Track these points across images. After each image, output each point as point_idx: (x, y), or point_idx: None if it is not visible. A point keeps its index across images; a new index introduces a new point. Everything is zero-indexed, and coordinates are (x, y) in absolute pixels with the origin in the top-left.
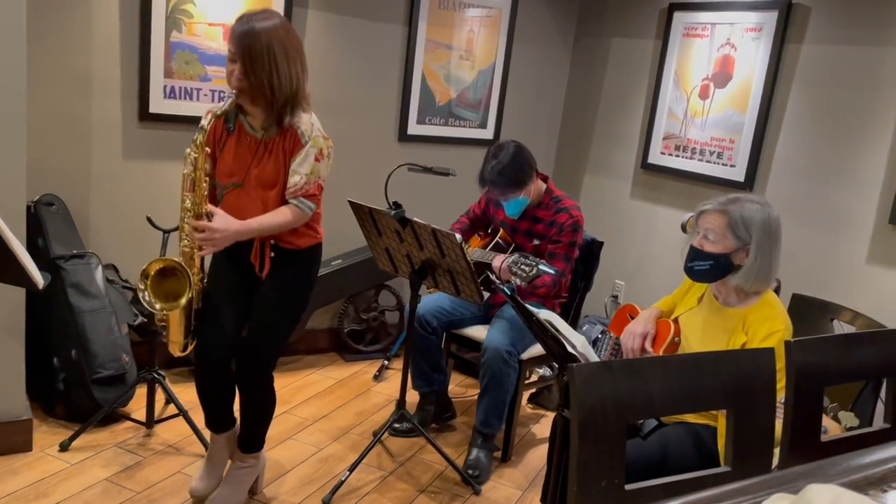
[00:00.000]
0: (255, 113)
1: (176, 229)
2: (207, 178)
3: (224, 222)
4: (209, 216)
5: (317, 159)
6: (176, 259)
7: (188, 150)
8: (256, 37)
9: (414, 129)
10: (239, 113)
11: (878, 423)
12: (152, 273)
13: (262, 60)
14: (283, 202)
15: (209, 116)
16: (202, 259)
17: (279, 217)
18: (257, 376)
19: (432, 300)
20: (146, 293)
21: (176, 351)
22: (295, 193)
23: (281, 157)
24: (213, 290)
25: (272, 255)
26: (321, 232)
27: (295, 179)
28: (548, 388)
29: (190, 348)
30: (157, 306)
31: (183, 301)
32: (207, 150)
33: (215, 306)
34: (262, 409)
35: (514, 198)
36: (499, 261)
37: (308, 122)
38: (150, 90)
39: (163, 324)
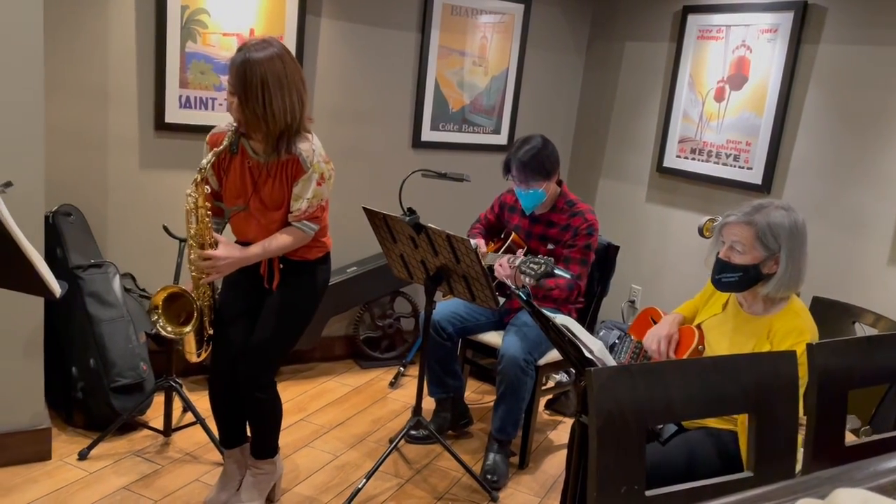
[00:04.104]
0: (257, 138)
1: None
2: (210, 211)
3: (227, 250)
4: (213, 245)
5: (318, 184)
6: (179, 287)
7: (188, 191)
8: (251, 69)
9: (428, 135)
10: (242, 135)
11: None
12: (160, 303)
13: (256, 93)
14: (287, 223)
15: (210, 155)
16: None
17: (281, 241)
18: (254, 380)
19: (447, 306)
20: (160, 320)
21: (192, 358)
22: (298, 217)
23: (284, 180)
24: (225, 302)
25: (281, 266)
26: (328, 242)
27: (299, 205)
28: (565, 394)
29: (204, 354)
30: (169, 329)
31: (188, 329)
32: (208, 188)
33: (226, 319)
34: (263, 413)
35: (535, 188)
36: (499, 263)
37: (309, 148)
38: (166, 100)
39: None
